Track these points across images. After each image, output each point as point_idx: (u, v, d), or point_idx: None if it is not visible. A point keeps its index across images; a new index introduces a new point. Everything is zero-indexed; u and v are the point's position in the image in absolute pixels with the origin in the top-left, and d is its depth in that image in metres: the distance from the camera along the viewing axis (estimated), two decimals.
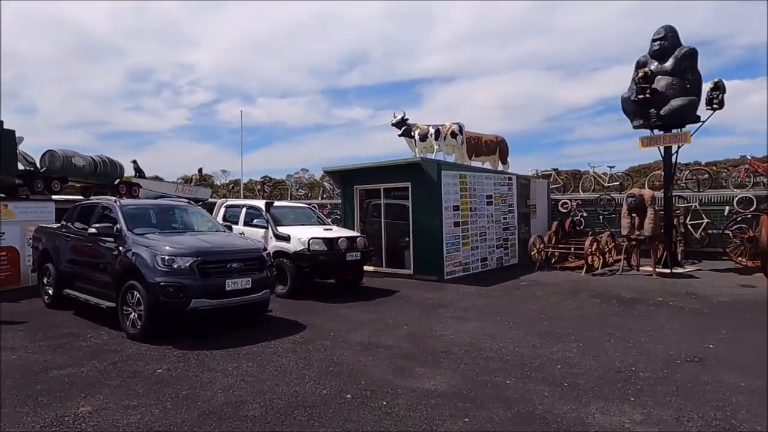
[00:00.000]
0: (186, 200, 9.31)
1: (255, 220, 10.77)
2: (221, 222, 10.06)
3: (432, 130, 13.86)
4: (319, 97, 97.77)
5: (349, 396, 4.65)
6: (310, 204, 14.91)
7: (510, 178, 14.42)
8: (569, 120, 79.80)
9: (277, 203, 11.82)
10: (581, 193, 17.58)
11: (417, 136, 14.06)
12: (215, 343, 6.35)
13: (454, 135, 13.92)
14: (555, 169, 19.18)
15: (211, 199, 17.13)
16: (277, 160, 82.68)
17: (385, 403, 4.49)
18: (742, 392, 4.66)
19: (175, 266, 6.45)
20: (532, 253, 13.36)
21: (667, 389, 4.76)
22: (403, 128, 14.23)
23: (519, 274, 12.29)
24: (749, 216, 13.32)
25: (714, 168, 17.50)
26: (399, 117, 14.26)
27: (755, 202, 13.76)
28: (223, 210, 11.87)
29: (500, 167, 15.73)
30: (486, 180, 13.35)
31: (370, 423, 4.08)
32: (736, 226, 13.41)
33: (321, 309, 8.57)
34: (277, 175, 38.82)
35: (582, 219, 16.51)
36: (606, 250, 13.21)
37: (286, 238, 9.87)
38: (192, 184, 21.05)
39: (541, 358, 5.75)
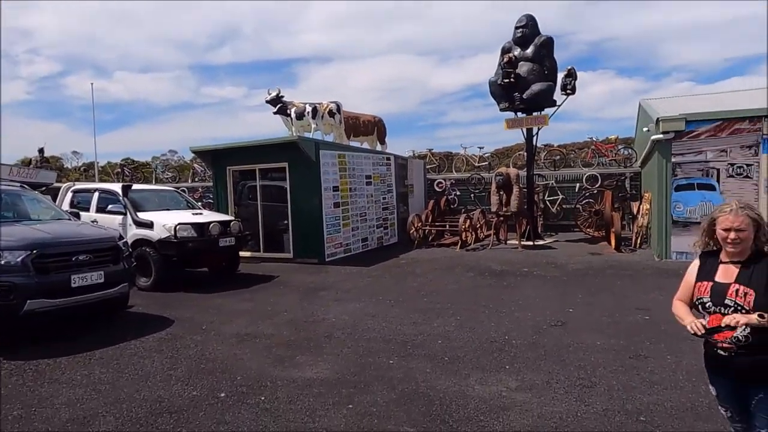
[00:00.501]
0: (19, 185, 7.89)
1: (110, 206, 9.52)
2: (67, 209, 8.75)
3: (309, 108, 13.41)
4: (187, 73, 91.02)
5: (222, 395, 4.24)
6: (178, 188, 13.69)
7: (388, 159, 14.56)
8: (442, 104, 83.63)
9: (136, 186, 10.63)
10: (454, 172, 18.41)
11: (293, 114, 13.51)
12: (62, 348, 5.45)
13: (331, 114, 13.61)
14: (430, 150, 19.84)
15: (57, 184, 14.93)
16: (140, 142, 75.36)
17: (263, 398, 4.16)
18: (599, 350, 5.10)
19: (2, 262, 5.39)
20: (411, 231, 13.68)
21: (537, 354, 5.06)
22: (278, 106, 13.57)
23: (399, 252, 12.50)
24: (595, 191, 14.97)
25: (564, 150, 19.37)
26: (274, 94, 13.57)
27: (600, 179, 15.47)
28: (69, 195, 10.35)
29: (378, 147, 15.80)
30: (365, 160, 13.31)
31: (247, 422, 3.74)
32: (585, 201, 14.99)
33: (191, 300, 7.86)
34: (142, 158, 35.26)
35: (456, 197, 17.31)
36: (478, 226, 13.97)
37: (149, 225, 8.88)
38: (32, 166, 18.18)
39: (422, 334, 5.81)
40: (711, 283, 2.40)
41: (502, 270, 9.75)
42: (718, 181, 9.99)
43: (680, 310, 2.52)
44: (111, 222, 8.98)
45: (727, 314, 2.29)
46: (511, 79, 12.93)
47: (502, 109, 13.63)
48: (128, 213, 9.14)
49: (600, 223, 13.75)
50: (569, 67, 13.00)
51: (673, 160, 10.23)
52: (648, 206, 11.91)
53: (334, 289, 8.46)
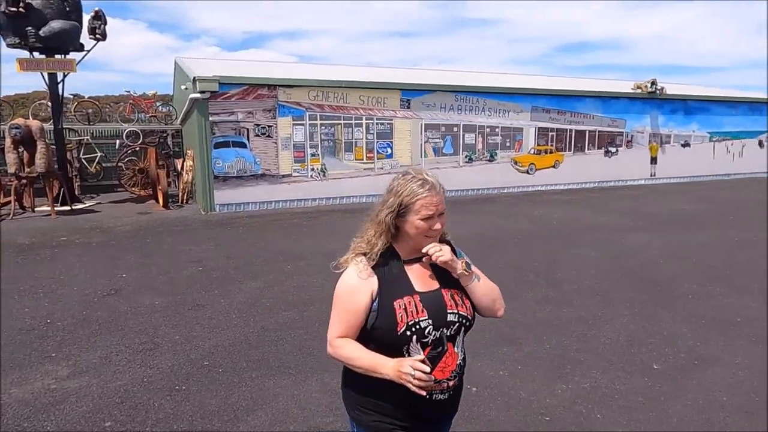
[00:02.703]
0: None
1: None
2: None
3: None
4: None
5: None
6: None
7: None
8: None
9: None
10: None
11: None
12: None
13: None
14: None
15: None
16: None
17: None
18: (158, 310, 5.04)
19: None
20: None
21: (91, 330, 4.54)
22: None
23: None
24: (138, 149, 14.39)
25: (99, 102, 17.58)
26: None
27: (142, 136, 14.94)
28: None
29: None
30: None
31: None
32: (127, 159, 14.21)
33: None
34: None
35: None
36: None
37: None
38: None
39: None
40: (417, 296, 1.58)
41: (33, 243, 8.14)
42: (248, 139, 11.38)
43: (357, 351, 1.57)
44: None
45: (451, 334, 1.59)
46: (20, 9, 10.52)
47: (10, 45, 10.99)
48: None
49: (146, 182, 13.41)
50: (96, 9, 11.69)
51: (210, 118, 10.93)
52: (192, 163, 12.40)
53: None
